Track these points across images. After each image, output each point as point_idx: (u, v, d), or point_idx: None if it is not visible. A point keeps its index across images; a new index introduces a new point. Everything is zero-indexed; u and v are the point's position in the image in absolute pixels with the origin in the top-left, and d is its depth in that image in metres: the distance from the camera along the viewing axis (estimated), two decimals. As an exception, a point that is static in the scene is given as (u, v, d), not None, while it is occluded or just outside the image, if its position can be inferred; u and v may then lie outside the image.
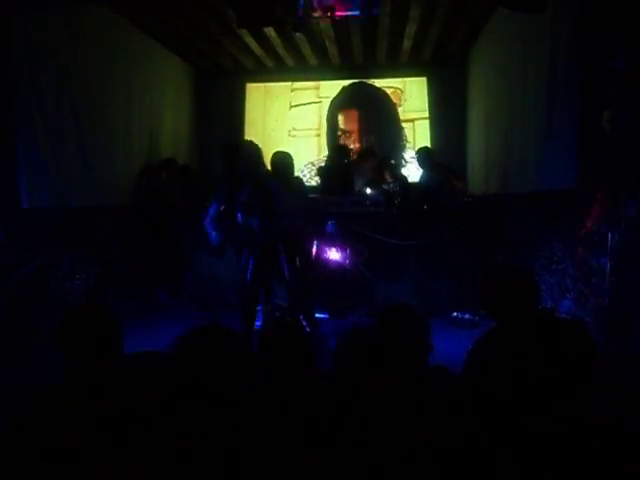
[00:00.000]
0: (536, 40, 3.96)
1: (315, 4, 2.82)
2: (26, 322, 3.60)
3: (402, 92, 7.38)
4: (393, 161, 5.93)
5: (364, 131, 7.40)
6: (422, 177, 5.54)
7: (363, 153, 6.05)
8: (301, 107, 7.56)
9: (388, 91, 7.36)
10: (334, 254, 4.83)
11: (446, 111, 7.10)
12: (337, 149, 6.22)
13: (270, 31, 5.58)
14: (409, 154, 7.16)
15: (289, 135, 7.54)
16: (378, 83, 7.38)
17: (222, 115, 7.35)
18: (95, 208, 4.59)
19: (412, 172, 6.57)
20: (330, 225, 4.77)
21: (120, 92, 5.20)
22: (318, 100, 7.53)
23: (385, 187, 5.21)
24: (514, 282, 1.95)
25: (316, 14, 2.95)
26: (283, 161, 4.00)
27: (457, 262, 4.77)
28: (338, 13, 2.86)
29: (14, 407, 1.68)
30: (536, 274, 3.66)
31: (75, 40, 4.40)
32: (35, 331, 3.55)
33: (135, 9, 4.99)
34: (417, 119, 7.38)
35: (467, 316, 4.46)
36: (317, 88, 7.54)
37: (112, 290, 4.65)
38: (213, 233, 4.72)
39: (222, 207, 4.57)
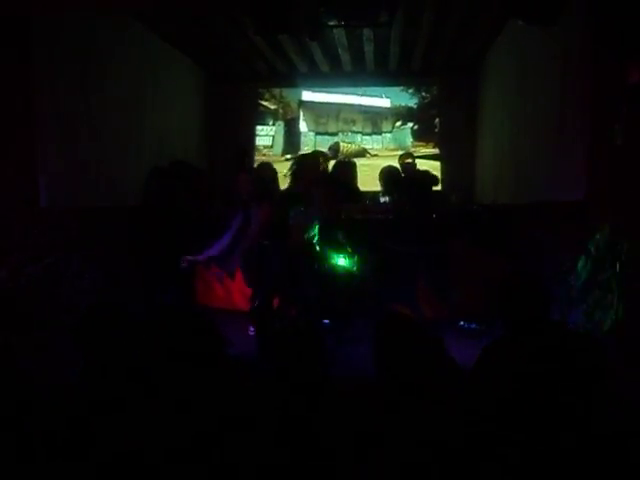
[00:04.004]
0: (548, 52, 3.98)
1: (329, 14, 2.86)
2: (39, 318, 3.64)
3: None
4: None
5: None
6: None
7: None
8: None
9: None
10: (341, 260, 4.84)
11: (456, 119, 7.12)
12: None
13: (283, 37, 5.64)
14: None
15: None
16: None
17: (233, 120, 7.40)
18: (107, 208, 4.64)
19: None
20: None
21: (133, 94, 5.25)
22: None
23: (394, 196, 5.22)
24: (527, 289, 1.97)
25: (331, 23, 2.99)
26: None
27: (464, 271, 4.77)
28: (352, 22, 2.90)
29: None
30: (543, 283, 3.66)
31: (91, 43, 4.47)
32: (47, 328, 3.59)
33: (153, 15, 5.06)
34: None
35: (473, 325, 4.46)
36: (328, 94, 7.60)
37: (122, 291, 4.68)
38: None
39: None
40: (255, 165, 7.00)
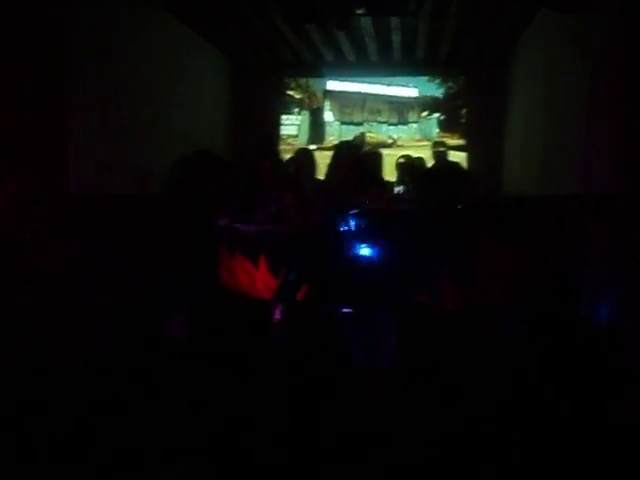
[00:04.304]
0: (579, 43, 3.90)
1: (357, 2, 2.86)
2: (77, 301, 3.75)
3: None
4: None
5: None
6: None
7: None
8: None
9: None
10: (364, 250, 4.85)
11: (485, 112, 7.03)
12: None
13: (310, 26, 5.63)
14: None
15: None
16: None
17: (259, 109, 7.44)
18: (136, 195, 4.73)
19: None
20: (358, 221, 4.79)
21: (160, 82, 5.33)
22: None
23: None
24: (551, 283, 1.97)
25: (358, 11, 2.98)
26: None
27: (489, 263, 4.73)
28: (380, 11, 2.89)
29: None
30: (571, 278, 3.62)
31: (120, 31, 4.55)
32: (83, 310, 3.69)
33: (180, 4, 5.11)
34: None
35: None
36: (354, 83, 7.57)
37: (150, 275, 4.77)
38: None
39: None
40: (281, 153, 7.03)
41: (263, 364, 1.59)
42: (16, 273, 3.49)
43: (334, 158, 4.64)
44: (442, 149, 5.88)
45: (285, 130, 7.76)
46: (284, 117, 7.76)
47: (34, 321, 2.69)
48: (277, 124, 7.64)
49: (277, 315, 4.52)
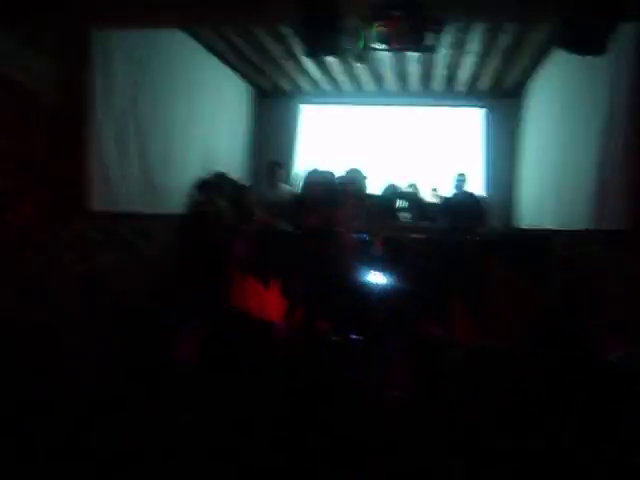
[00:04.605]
0: (594, 80, 3.94)
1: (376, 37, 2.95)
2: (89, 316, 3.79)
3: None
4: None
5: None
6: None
7: None
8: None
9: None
10: (377, 277, 4.85)
11: (501, 144, 7.07)
12: None
13: (330, 58, 5.76)
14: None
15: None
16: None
17: (276, 135, 7.56)
18: (152, 216, 4.81)
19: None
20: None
21: (181, 106, 5.46)
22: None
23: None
24: (561, 322, 1.96)
25: (377, 46, 3.06)
26: None
27: (500, 295, 4.69)
28: (398, 46, 2.97)
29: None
30: (587, 316, 3.58)
31: (144, 56, 4.69)
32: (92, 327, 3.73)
33: (206, 32, 5.27)
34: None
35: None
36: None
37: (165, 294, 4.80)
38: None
39: None
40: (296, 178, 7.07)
41: (266, 384, 1.61)
42: (32, 289, 3.55)
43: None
44: (461, 177, 5.91)
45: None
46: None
47: (49, 337, 2.73)
48: (294, 149, 7.73)
49: (280, 336, 4.54)
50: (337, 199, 4.41)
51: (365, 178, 5.51)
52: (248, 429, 1.44)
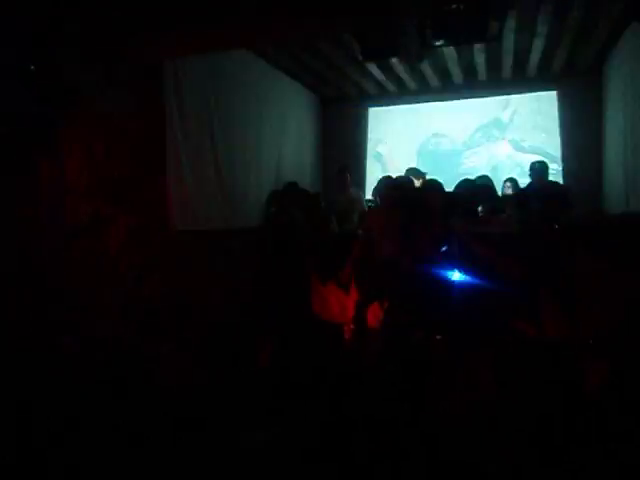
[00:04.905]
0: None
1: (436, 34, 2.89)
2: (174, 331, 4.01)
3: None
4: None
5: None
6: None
7: None
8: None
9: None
10: (458, 275, 4.73)
11: (579, 126, 6.68)
12: None
13: (392, 59, 5.73)
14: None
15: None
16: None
17: (345, 140, 7.61)
18: (231, 231, 5.01)
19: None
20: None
21: (252, 122, 5.65)
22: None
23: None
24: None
25: (438, 43, 3.01)
26: None
27: (593, 288, 4.43)
28: (459, 40, 2.90)
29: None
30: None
31: (216, 76, 4.92)
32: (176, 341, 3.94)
33: (269, 48, 5.43)
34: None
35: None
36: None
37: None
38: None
39: None
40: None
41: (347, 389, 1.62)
42: (123, 305, 3.80)
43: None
44: (538, 166, 5.54)
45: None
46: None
47: (138, 352, 2.92)
48: (362, 153, 7.74)
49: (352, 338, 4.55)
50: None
51: (425, 175, 5.42)
52: (333, 433, 1.47)
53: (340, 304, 5.46)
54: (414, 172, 5.50)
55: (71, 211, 3.66)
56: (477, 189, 5.38)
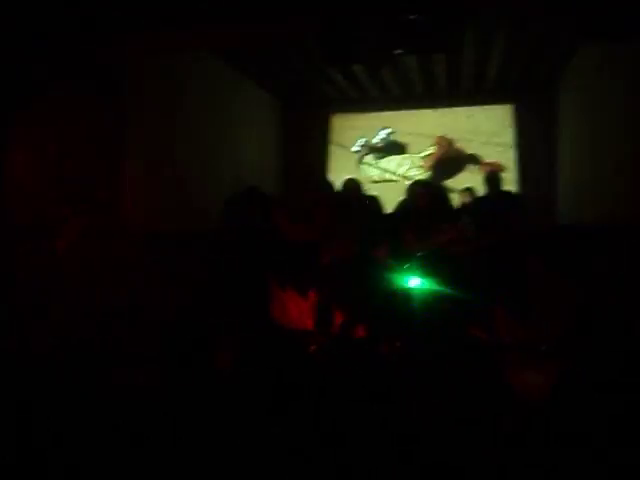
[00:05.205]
0: (628, 67, 3.83)
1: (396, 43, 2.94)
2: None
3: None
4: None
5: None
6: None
7: None
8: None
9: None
10: (415, 282, 4.80)
11: (534, 138, 6.91)
12: None
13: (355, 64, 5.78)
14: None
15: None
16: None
17: (306, 146, 7.63)
18: (190, 233, 4.92)
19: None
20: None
21: (213, 124, 5.59)
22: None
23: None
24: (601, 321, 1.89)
25: (398, 51, 3.06)
26: None
27: (543, 294, 4.56)
28: (420, 49, 2.96)
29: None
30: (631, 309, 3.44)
31: (176, 78, 4.84)
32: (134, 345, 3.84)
33: (232, 51, 5.39)
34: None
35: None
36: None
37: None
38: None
39: None
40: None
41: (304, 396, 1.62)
42: (81, 308, 3.68)
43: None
44: (494, 172, 5.67)
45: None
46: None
47: (98, 353, 2.83)
48: (324, 159, 7.77)
49: (313, 347, 4.55)
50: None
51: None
52: (286, 443, 1.46)
53: (299, 310, 5.44)
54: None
55: (19, 211, 3.53)
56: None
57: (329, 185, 5.04)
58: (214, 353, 2.21)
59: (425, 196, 4.32)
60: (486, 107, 7.26)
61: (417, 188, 4.44)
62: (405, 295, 4.67)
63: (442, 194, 4.58)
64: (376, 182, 7.51)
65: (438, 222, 4.40)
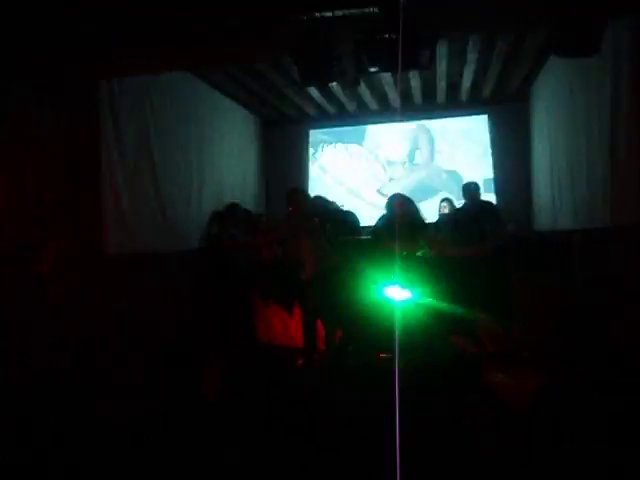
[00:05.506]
0: (598, 74, 3.95)
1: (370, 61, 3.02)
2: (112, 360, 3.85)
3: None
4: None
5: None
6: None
7: None
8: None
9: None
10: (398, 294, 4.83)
11: (509, 147, 7.05)
12: None
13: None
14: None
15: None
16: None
17: (286, 161, 7.67)
18: (172, 254, 4.90)
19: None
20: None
21: (192, 143, 5.59)
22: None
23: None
24: (585, 323, 1.94)
25: (373, 69, 3.12)
26: None
27: (525, 302, 4.65)
28: (393, 67, 3.03)
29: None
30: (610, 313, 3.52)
31: (154, 96, 4.83)
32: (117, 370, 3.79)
33: (209, 69, 5.42)
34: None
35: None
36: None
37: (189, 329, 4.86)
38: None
39: None
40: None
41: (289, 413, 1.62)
42: (56, 337, 3.61)
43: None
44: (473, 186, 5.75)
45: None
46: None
47: (74, 384, 2.78)
48: (304, 174, 7.82)
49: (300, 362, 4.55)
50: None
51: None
52: (271, 461, 1.46)
53: (283, 324, 5.45)
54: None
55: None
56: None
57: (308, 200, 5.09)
58: (200, 371, 2.20)
59: (404, 205, 4.50)
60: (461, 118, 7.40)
61: (397, 198, 4.61)
62: (386, 305, 4.72)
63: (415, 205, 4.69)
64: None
65: (415, 230, 4.52)
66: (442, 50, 5.09)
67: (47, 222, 3.77)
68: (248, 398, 1.57)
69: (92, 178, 4.07)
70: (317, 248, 4.61)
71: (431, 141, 7.60)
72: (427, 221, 5.05)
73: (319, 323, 4.74)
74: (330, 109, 7.22)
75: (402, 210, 4.44)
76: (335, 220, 5.16)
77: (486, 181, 7.02)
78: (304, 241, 4.62)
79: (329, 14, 2.80)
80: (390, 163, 7.71)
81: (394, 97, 6.77)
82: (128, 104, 4.46)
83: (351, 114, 7.40)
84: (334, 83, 4.97)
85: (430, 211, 6.01)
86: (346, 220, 5.34)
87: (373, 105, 7.07)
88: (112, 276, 4.10)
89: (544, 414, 1.81)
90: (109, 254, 4.09)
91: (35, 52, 3.55)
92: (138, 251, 4.43)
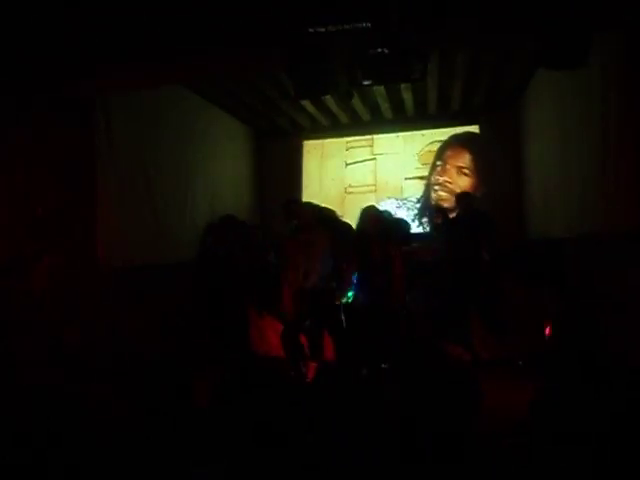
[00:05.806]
0: (587, 83, 4.02)
1: (364, 75, 3.07)
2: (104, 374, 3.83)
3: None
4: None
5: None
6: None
7: None
8: (357, 164, 7.81)
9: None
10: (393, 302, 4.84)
11: (500, 157, 7.12)
12: None
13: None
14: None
15: (346, 192, 7.79)
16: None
17: (280, 173, 7.70)
18: (166, 266, 4.89)
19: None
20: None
21: (187, 155, 5.61)
22: (372, 157, 7.76)
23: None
24: (577, 331, 1.96)
25: (366, 82, 3.18)
26: None
27: (518, 309, 4.67)
28: (386, 80, 3.08)
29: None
30: (603, 320, 3.55)
31: (149, 110, 4.86)
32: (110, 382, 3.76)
33: (203, 83, 5.46)
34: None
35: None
36: (371, 145, 7.75)
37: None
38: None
39: None
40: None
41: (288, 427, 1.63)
42: (49, 352, 3.59)
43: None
44: (464, 197, 5.81)
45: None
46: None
47: (66, 401, 2.77)
48: (298, 185, 7.85)
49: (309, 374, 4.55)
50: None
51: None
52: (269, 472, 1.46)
53: (278, 336, 5.44)
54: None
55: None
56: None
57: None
58: (192, 384, 2.20)
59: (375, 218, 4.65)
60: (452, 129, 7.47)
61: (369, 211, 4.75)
62: (383, 315, 4.73)
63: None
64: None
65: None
66: (433, 64, 5.16)
67: (41, 237, 3.77)
68: (239, 409, 1.58)
69: (86, 192, 4.08)
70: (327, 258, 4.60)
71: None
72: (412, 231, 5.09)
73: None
74: (323, 121, 7.28)
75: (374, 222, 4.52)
76: (341, 231, 5.15)
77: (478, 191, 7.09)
78: (317, 250, 4.58)
79: (322, 30, 2.86)
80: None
81: (387, 109, 6.84)
82: (123, 119, 4.49)
83: (344, 126, 7.46)
84: (328, 95, 5.04)
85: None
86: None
87: (366, 116, 7.14)
88: (106, 289, 4.10)
89: (540, 422, 1.83)
90: (103, 268, 4.09)
91: (33, 68, 3.58)
92: (132, 264, 4.43)
